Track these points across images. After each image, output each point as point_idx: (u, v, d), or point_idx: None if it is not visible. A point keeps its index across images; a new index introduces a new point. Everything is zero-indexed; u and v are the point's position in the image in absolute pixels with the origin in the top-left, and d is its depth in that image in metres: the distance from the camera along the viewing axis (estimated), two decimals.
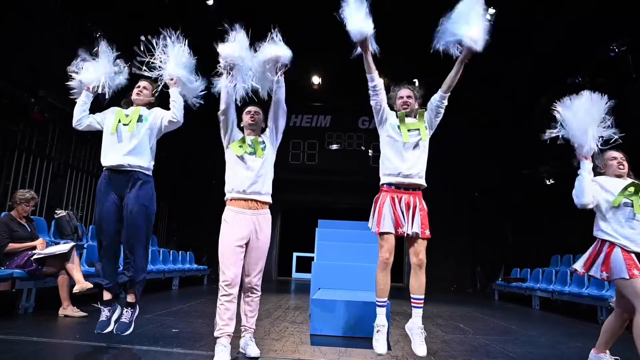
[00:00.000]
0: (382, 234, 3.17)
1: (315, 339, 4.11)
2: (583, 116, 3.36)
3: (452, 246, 11.91)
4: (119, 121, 3.46)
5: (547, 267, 9.31)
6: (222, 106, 3.31)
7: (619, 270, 2.98)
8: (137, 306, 3.48)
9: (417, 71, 11.70)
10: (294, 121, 13.48)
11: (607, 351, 3.20)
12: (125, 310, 3.41)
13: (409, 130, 3.28)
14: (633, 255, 3.02)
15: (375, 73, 3.45)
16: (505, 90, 11.83)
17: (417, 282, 3.14)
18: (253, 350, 3.26)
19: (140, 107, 3.56)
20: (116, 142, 3.42)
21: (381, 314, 3.21)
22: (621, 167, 3.26)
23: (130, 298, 3.42)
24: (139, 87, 3.62)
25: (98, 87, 3.55)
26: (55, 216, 6.22)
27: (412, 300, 3.17)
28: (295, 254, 15.98)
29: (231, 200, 3.27)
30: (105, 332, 3.31)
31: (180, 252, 10.10)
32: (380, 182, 3.31)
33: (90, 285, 4.55)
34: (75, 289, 4.53)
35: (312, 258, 6.26)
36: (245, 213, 3.23)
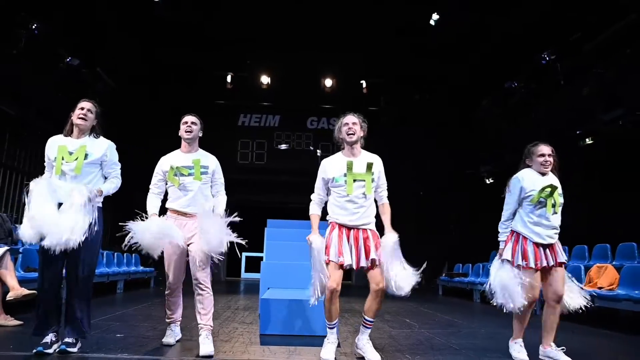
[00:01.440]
0: (330, 262, 3.22)
1: (265, 338, 4.11)
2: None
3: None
4: (62, 158, 3.22)
5: (487, 262, 9.78)
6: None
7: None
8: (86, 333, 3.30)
9: (365, 69, 12.03)
10: (243, 121, 13.37)
11: (552, 344, 3.38)
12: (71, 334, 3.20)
13: (354, 181, 3.29)
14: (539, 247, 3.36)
15: None
16: (449, 93, 12.30)
17: (375, 307, 3.24)
18: (207, 347, 3.31)
19: (85, 137, 3.32)
20: (61, 184, 3.18)
21: (332, 334, 3.31)
22: (546, 164, 3.42)
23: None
24: (82, 109, 3.33)
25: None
26: None
27: (365, 321, 3.28)
28: (244, 254, 15.82)
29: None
30: (46, 351, 3.08)
31: (125, 254, 9.74)
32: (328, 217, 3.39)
33: (26, 292, 4.30)
34: (9, 296, 4.27)
35: (262, 258, 6.24)
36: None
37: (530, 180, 3.42)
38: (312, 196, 3.49)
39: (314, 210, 3.47)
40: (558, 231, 3.42)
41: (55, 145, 3.31)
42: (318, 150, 13.13)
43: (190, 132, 3.60)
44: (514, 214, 3.51)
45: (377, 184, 3.40)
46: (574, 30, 8.03)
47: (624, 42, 7.11)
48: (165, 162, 3.64)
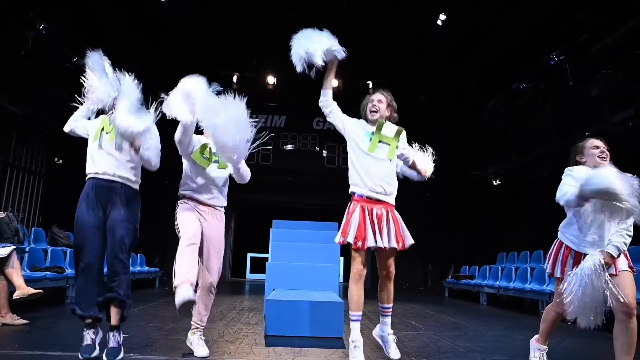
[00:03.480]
0: (355, 246, 3.08)
1: (269, 339, 4.09)
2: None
3: None
4: (102, 129, 3.23)
5: (494, 264, 9.72)
6: (180, 138, 3.26)
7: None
8: (121, 329, 3.24)
9: (371, 69, 11.99)
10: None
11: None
12: (112, 333, 3.12)
13: (379, 142, 3.21)
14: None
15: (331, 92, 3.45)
16: (454, 93, 12.25)
17: (387, 293, 3.18)
18: (202, 350, 3.30)
19: None
20: (99, 151, 3.18)
21: (356, 329, 3.12)
22: (603, 156, 2.95)
23: (115, 321, 3.14)
24: None
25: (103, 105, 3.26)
26: None
27: (382, 309, 3.21)
28: (249, 255, 15.84)
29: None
30: (92, 356, 3.03)
31: (130, 254, 9.76)
32: (350, 191, 3.25)
33: (33, 291, 4.32)
34: (16, 295, 4.29)
35: (267, 259, 6.23)
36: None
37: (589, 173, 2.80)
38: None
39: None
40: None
41: (100, 119, 3.33)
42: (324, 151, 13.14)
43: None
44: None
45: (403, 154, 3.35)
46: (582, 31, 7.97)
47: (634, 43, 7.04)
48: (196, 137, 3.43)
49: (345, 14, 9.89)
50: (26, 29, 7.55)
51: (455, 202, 13.02)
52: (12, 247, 4.64)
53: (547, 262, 3.06)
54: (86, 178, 3.21)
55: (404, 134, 3.31)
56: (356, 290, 3.11)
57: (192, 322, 3.44)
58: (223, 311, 6.07)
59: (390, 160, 3.22)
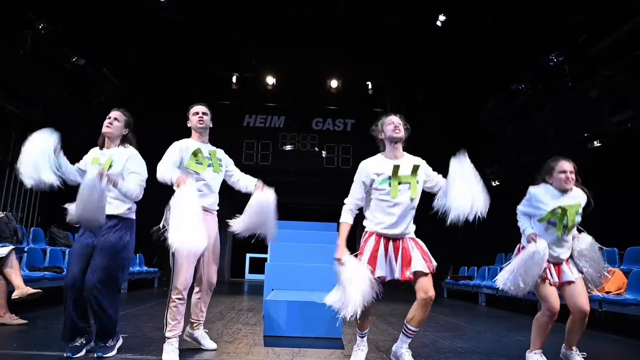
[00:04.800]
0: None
1: (268, 340, 4.09)
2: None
3: None
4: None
5: (493, 265, 9.72)
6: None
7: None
8: (119, 334, 3.29)
9: (371, 70, 12.00)
10: (248, 121, 13.37)
11: (574, 347, 3.26)
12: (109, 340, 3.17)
13: (399, 184, 3.05)
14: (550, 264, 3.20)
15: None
16: (454, 94, 12.25)
17: (421, 317, 3.05)
18: (212, 343, 3.55)
19: (115, 148, 3.30)
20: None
21: (362, 341, 3.20)
22: (567, 182, 3.20)
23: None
24: (109, 118, 3.31)
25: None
26: None
27: (407, 330, 3.10)
28: (248, 255, 15.83)
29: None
30: (76, 356, 3.02)
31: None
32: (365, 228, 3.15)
33: (31, 291, 4.32)
34: (15, 295, 4.28)
35: (266, 259, 6.23)
36: None
37: (545, 197, 3.24)
38: (346, 201, 3.14)
39: (346, 218, 3.11)
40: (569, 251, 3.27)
41: (91, 155, 3.35)
42: (323, 152, 13.14)
43: (203, 122, 3.49)
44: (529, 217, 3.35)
45: (432, 182, 3.24)
46: (581, 32, 7.97)
47: (633, 44, 7.05)
48: (187, 144, 3.42)
49: (344, 14, 9.90)
50: (25, 29, 7.55)
51: None
52: (11, 246, 4.64)
53: None
54: None
55: (423, 166, 3.18)
56: (363, 320, 3.11)
57: (194, 319, 3.57)
58: (222, 311, 6.07)
59: (413, 200, 3.09)
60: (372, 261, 3.01)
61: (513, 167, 10.29)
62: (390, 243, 3.07)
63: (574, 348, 3.27)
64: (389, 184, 3.05)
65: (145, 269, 10.05)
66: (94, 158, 3.30)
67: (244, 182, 3.65)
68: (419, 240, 3.16)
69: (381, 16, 9.96)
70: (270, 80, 12.39)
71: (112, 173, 3.08)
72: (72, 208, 3.05)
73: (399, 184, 3.05)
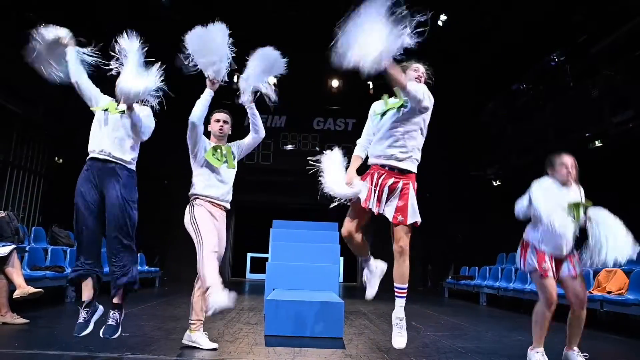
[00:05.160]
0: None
1: (269, 339, 4.09)
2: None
3: None
4: (107, 110, 3.31)
5: (494, 265, 9.72)
6: (198, 114, 3.46)
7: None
8: (123, 308, 3.30)
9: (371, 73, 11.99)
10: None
11: (576, 348, 3.27)
12: (112, 312, 3.20)
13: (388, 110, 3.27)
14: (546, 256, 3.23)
15: None
16: (453, 94, 12.24)
17: (397, 270, 3.10)
18: (211, 343, 3.52)
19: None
20: (99, 128, 3.28)
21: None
22: (568, 175, 3.26)
23: (117, 299, 3.22)
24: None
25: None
26: None
27: (395, 289, 3.15)
28: (249, 255, 15.83)
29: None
30: (82, 334, 3.09)
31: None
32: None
33: (33, 290, 4.32)
34: (16, 294, 4.28)
35: (267, 259, 6.23)
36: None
37: (552, 192, 3.25)
38: (359, 140, 3.43)
39: (357, 151, 3.38)
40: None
41: (107, 99, 3.41)
42: (324, 151, 13.14)
43: (222, 131, 3.72)
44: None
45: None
46: (582, 32, 7.97)
47: (633, 44, 7.04)
48: (208, 141, 3.64)
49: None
50: (26, 29, 7.54)
51: (455, 203, 13.02)
52: (12, 246, 4.64)
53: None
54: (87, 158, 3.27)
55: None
56: (352, 247, 3.27)
57: (193, 320, 3.53)
58: (223, 311, 6.07)
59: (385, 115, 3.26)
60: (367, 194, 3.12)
61: (513, 167, 10.30)
62: (384, 175, 3.14)
63: (575, 349, 3.27)
64: (382, 111, 3.26)
65: (146, 268, 10.06)
66: (110, 103, 3.36)
67: (251, 125, 3.90)
68: (409, 186, 3.14)
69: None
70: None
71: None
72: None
73: (388, 110, 3.25)
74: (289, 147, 13.30)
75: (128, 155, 3.29)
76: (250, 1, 9.74)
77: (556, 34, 8.55)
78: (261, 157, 13.18)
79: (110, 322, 3.18)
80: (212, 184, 3.51)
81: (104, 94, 3.43)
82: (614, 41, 7.38)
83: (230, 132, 3.74)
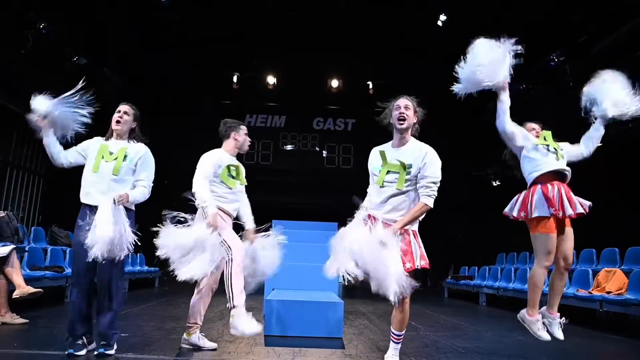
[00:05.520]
0: None
1: (269, 339, 4.09)
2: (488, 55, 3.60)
3: None
4: (102, 157, 3.21)
5: (493, 265, 9.71)
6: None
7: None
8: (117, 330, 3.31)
9: (368, 72, 12.00)
10: (249, 121, 13.37)
11: (557, 313, 3.35)
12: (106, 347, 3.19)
13: (387, 172, 3.01)
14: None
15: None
16: (453, 94, 12.25)
17: (396, 317, 3.05)
18: (211, 343, 3.58)
19: (124, 140, 3.33)
20: (97, 181, 3.18)
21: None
22: (537, 136, 3.69)
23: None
24: (119, 112, 3.33)
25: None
26: None
27: (391, 335, 3.08)
28: None
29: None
30: (78, 354, 3.07)
31: (130, 253, 9.74)
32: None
33: (32, 290, 4.32)
34: (15, 294, 4.29)
35: None
36: None
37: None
38: (364, 204, 3.16)
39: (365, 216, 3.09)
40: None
41: (97, 143, 3.31)
42: (324, 151, 13.14)
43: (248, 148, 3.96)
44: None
45: (418, 179, 3.04)
46: (582, 32, 7.96)
47: (634, 44, 7.04)
48: (221, 158, 3.60)
49: (344, 14, 9.89)
50: (26, 29, 7.55)
51: (454, 203, 13.01)
52: (12, 246, 4.64)
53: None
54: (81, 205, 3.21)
55: (416, 160, 3.05)
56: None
57: (192, 323, 3.54)
58: (223, 311, 6.07)
59: (401, 190, 3.01)
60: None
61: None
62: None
63: (556, 314, 3.33)
64: (379, 171, 3.04)
65: (145, 268, 10.05)
66: (102, 146, 3.26)
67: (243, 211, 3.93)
68: (411, 235, 3.08)
69: (381, 16, 9.95)
70: (271, 80, 12.38)
71: (122, 196, 3.11)
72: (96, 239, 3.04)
73: (388, 172, 3.01)
74: (289, 147, 13.30)
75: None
76: (250, 1, 9.74)
77: (556, 34, 8.54)
78: (261, 157, 13.18)
79: (108, 352, 3.16)
80: (229, 201, 3.69)
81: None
82: (614, 41, 7.36)
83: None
